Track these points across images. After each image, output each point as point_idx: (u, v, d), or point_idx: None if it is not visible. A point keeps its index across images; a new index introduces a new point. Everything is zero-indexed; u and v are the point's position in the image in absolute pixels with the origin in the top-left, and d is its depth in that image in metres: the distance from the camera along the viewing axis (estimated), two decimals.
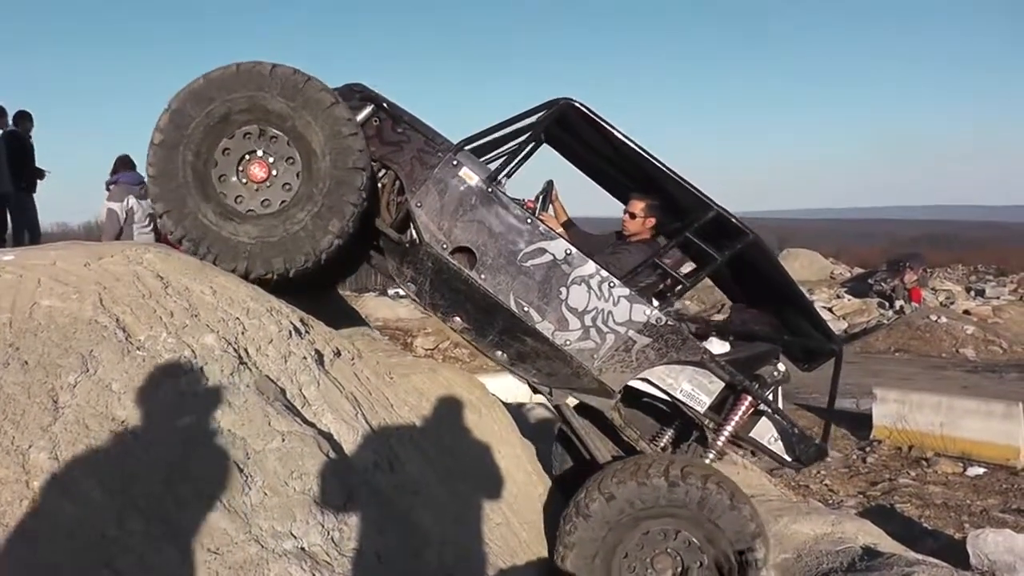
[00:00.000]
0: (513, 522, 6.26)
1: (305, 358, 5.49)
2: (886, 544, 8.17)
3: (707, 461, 6.44)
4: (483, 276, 6.23)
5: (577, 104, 6.35)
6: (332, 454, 4.70)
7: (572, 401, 6.93)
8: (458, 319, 6.60)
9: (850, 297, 41.11)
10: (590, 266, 6.26)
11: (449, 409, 6.44)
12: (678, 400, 6.51)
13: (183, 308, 5.20)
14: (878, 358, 29.50)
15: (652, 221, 6.96)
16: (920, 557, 7.77)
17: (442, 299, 6.55)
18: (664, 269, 6.58)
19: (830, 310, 37.98)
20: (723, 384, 6.50)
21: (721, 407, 6.54)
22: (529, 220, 6.34)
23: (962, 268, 60.20)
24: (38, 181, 13.78)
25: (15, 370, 4.53)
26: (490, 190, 6.28)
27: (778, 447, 6.77)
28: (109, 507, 3.95)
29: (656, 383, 6.46)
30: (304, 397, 5.25)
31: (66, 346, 4.71)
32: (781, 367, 6.73)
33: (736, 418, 6.46)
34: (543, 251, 6.26)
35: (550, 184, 7.31)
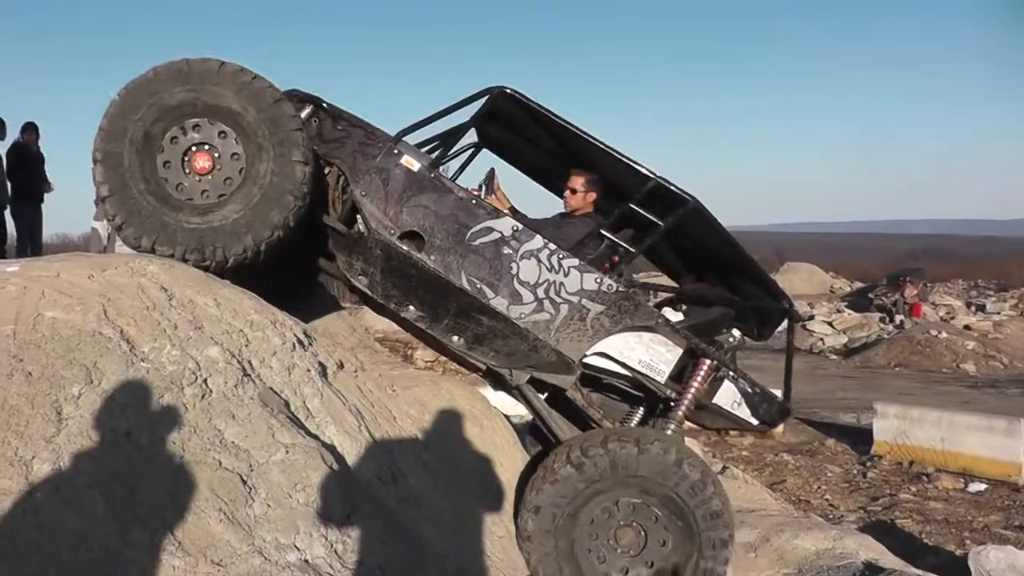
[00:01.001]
0: (515, 535, 6.25)
1: (309, 370, 5.50)
2: (887, 560, 8.15)
3: (669, 431, 6.43)
4: (432, 258, 6.32)
5: (509, 91, 6.51)
6: (335, 466, 4.71)
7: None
8: (412, 308, 6.57)
9: (850, 311, 41.03)
10: (538, 240, 6.35)
11: (451, 421, 6.43)
12: (637, 372, 6.52)
13: (187, 320, 5.22)
14: (878, 373, 29.43)
15: (593, 195, 7.06)
16: (921, 573, 7.77)
17: (394, 288, 6.54)
18: (610, 239, 6.69)
19: (830, 324, 37.94)
20: (681, 352, 6.52)
21: (682, 377, 6.55)
22: (474, 201, 6.48)
23: (962, 283, 60.21)
24: (45, 193, 13.78)
25: (19, 381, 4.55)
26: (432, 175, 6.42)
27: (743, 411, 6.78)
28: (112, 519, 3.96)
29: (614, 356, 6.47)
30: (308, 409, 5.26)
31: (70, 358, 4.72)
32: (736, 332, 6.86)
33: (696, 384, 6.47)
34: (490, 229, 6.36)
35: (492, 172, 7.38)
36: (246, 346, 5.31)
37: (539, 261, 6.33)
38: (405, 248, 6.33)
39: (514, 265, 6.32)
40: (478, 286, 6.31)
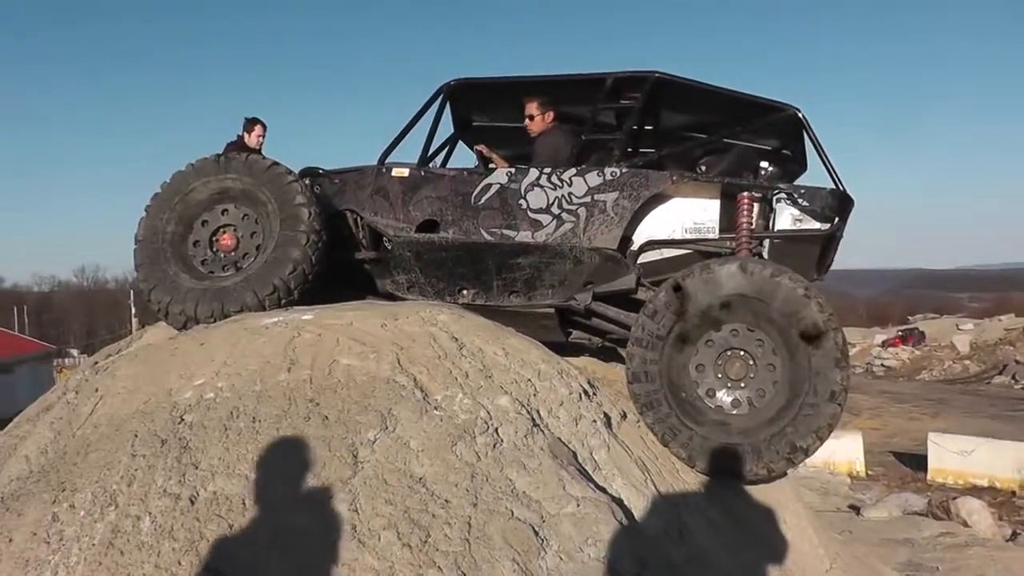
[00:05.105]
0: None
1: (595, 421, 5.47)
2: None
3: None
4: (452, 231, 6.86)
5: (455, 82, 7.24)
6: (624, 521, 4.59)
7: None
8: (464, 291, 7.04)
9: None
10: (533, 172, 6.80)
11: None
12: (690, 243, 6.71)
13: (477, 369, 5.31)
14: None
15: (551, 114, 7.38)
16: None
17: (439, 280, 7.04)
18: (593, 139, 7.06)
19: None
20: (717, 201, 6.68)
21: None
22: (466, 172, 7.15)
23: None
24: None
25: (315, 424, 4.73)
26: (422, 172, 7.11)
27: (807, 223, 6.54)
28: (408, 561, 4.00)
29: (659, 239, 6.74)
30: (595, 461, 5.20)
31: (365, 403, 4.87)
32: (764, 163, 6.81)
33: (744, 218, 6.43)
34: (489, 185, 6.87)
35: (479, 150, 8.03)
36: (534, 396, 5.34)
37: (541, 187, 6.73)
38: (425, 236, 6.88)
39: (522, 201, 6.75)
40: (500, 232, 6.75)
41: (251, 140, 10.51)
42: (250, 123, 10.66)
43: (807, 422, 5.64)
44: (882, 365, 63.71)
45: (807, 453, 5.75)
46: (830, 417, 5.64)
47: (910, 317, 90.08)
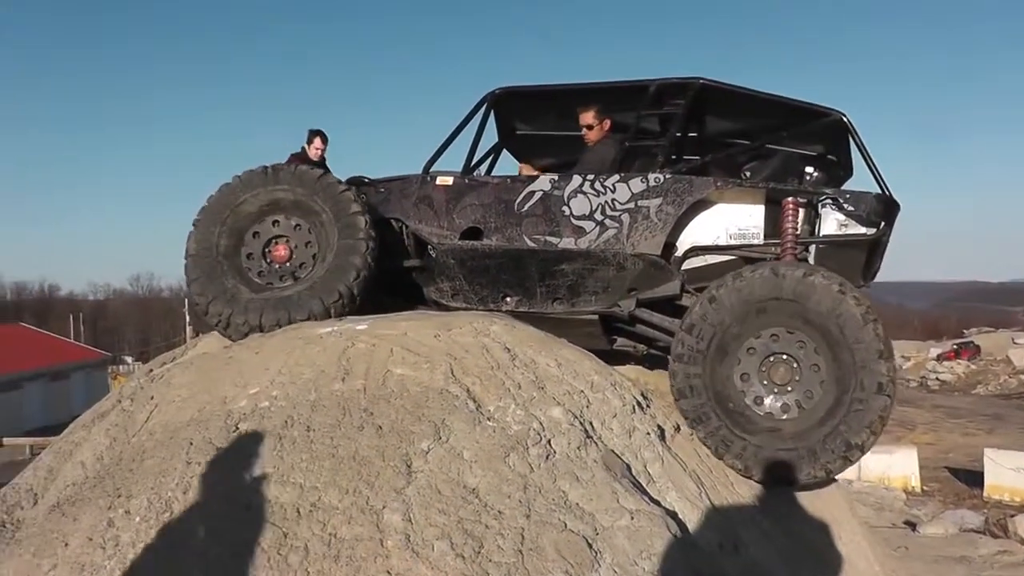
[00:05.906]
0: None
1: (648, 433, 5.43)
2: None
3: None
4: (495, 239, 6.88)
5: (500, 90, 7.29)
6: (679, 534, 4.55)
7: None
8: (508, 298, 7.06)
9: None
10: (576, 179, 6.81)
11: (786, 489, 6.23)
12: (735, 249, 6.68)
13: (530, 380, 5.30)
14: None
15: (608, 123, 7.36)
16: None
17: (482, 287, 7.06)
18: (637, 145, 7.09)
19: None
20: (762, 206, 6.62)
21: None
22: (509, 180, 7.13)
23: None
24: None
25: (369, 434, 4.74)
26: (466, 180, 7.16)
27: (853, 228, 6.49)
28: (462, 571, 4.00)
29: (704, 244, 6.72)
30: (648, 474, 5.17)
31: (419, 414, 4.88)
32: (809, 168, 6.75)
33: (790, 223, 6.42)
34: (532, 192, 6.86)
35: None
36: (587, 407, 5.31)
37: (585, 193, 6.71)
38: (469, 244, 6.92)
39: (565, 208, 6.74)
40: (544, 239, 6.74)
41: (311, 152, 10.57)
42: (310, 135, 10.73)
43: (858, 417, 5.58)
44: (937, 379, 63.22)
45: (863, 449, 5.68)
46: (881, 410, 5.58)
47: (965, 331, 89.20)
